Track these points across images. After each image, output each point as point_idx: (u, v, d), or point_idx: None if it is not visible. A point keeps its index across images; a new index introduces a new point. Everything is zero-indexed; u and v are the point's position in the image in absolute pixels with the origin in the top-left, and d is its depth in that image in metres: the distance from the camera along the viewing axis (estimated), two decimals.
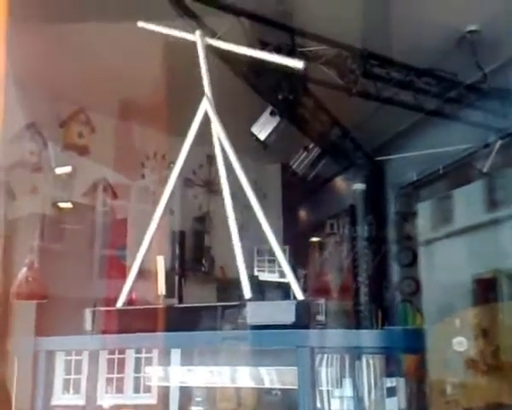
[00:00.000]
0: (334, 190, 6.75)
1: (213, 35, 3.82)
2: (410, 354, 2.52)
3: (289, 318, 2.12)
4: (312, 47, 3.99)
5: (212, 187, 6.83)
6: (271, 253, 6.44)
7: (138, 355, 3.05)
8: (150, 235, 2.49)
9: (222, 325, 2.38)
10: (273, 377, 2.39)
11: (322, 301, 2.22)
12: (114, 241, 5.53)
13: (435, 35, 4.29)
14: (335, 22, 4.08)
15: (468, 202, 4.98)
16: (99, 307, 3.08)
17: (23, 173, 4.88)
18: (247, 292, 2.26)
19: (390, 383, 2.37)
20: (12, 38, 1.44)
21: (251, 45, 4.00)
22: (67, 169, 5.12)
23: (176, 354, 2.77)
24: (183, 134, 3.25)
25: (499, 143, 4.47)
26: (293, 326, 2.13)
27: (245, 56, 3.98)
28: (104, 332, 2.61)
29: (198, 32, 2.65)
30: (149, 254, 2.85)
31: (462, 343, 3.86)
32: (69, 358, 3.08)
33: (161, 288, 2.96)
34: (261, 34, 3.97)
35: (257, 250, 6.77)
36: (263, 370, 2.42)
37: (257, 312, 2.25)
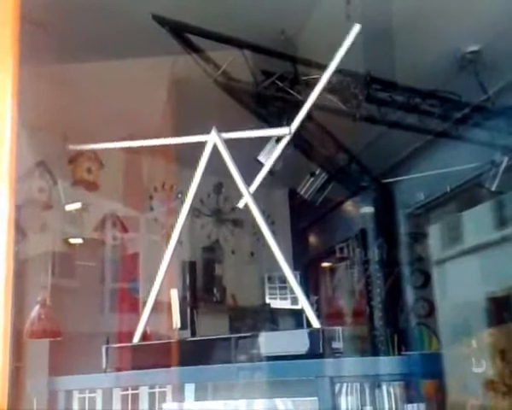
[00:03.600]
0: (343, 215, 6.75)
1: (217, 68, 3.90)
2: (430, 379, 2.49)
3: (304, 347, 2.11)
4: (315, 75, 4.03)
5: (220, 216, 6.85)
6: (283, 279, 6.44)
7: (152, 390, 3.02)
8: (164, 269, 2.50)
9: (236, 356, 2.36)
10: (291, 408, 2.36)
11: (338, 328, 2.21)
12: (126, 274, 5.53)
13: (436, 56, 4.33)
14: (337, 49, 4.13)
15: (477, 220, 4.96)
16: (112, 342, 3.07)
17: (33, 211, 4.92)
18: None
19: (411, 409, 2.34)
20: (20, 78, 1.48)
21: (254, 76, 4.07)
22: (77, 205, 5.16)
23: (190, 389, 2.75)
24: (190, 164, 3.28)
25: (506, 161, 4.47)
26: (309, 355, 2.11)
27: (250, 87, 4.05)
28: (120, 369, 2.59)
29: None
30: (161, 286, 2.86)
31: (480, 365, 3.80)
32: (83, 395, 3.06)
33: (176, 321, 2.94)
34: (264, 65, 4.03)
35: (268, 277, 6.76)
36: (280, 401, 2.38)
37: (270, 342, 2.23)
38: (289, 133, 2.67)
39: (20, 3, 1.49)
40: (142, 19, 3.46)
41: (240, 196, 3.01)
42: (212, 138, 2.61)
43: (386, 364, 2.15)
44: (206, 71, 3.85)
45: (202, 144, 3.02)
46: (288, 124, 4.30)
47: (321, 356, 2.09)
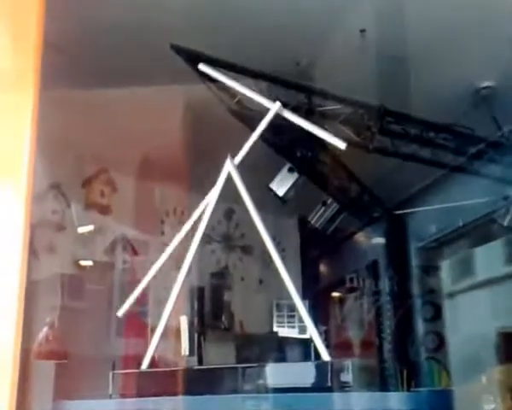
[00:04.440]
0: (354, 245, 6.71)
1: (232, 97, 3.94)
2: None
3: (312, 380, 2.08)
4: (329, 106, 4.06)
5: (229, 242, 6.84)
6: (291, 308, 6.37)
7: None
8: (174, 296, 2.49)
9: (243, 386, 2.34)
10: None
11: (348, 361, 2.18)
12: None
13: (451, 90, 4.34)
14: (352, 81, 4.16)
15: (489, 255, 4.91)
16: (118, 366, 3.06)
17: (46, 233, 4.95)
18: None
19: None
20: (40, 101, 1.51)
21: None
22: (89, 228, 5.18)
23: None
24: (202, 190, 3.30)
25: None
26: (318, 388, 2.08)
27: (263, 116, 4.08)
28: (126, 395, 2.58)
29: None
30: (170, 312, 2.84)
31: (490, 402, 3.73)
32: None
33: (185, 348, 2.93)
34: (279, 94, 4.06)
35: (276, 305, 6.70)
36: None
37: (278, 373, 2.21)
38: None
39: (43, 29, 1.54)
40: (161, 47, 3.53)
41: (250, 223, 3.01)
42: (228, 167, 2.63)
43: (396, 400, 2.11)
44: (220, 99, 3.89)
45: (214, 171, 3.04)
46: (304, 153, 4.33)
47: (329, 390, 2.06)
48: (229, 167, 2.61)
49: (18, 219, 1.41)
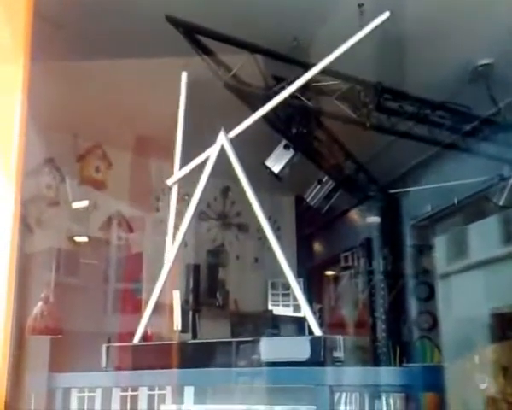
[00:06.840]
0: (349, 223, 6.72)
1: (228, 71, 3.90)
2: (431, 392, 2.47)
3: (304, 354, 2.10)
4: (326, 82, 4.03)
5: (226, 220, 6.85)
6: (286, 286, 6.42)
7: (151, 392, 3.02)
8: (167, 270, 2.49)
9: (236, 361, 2.35)
10: None
11: (340, 337, 2.19)
12: (129, 274, 5.54)
13: (448, 68, 4.32)
14: (349, 57, 4.12)
15: (483, 234, 4.92)
16: (114, 341, 3.07)
17: (40, 208, 4.94)
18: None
19: None
20: (32, 74, 1.48)
21: (265, 80, 4.07)
22: (84, 203, 5.18)
23: (189, 392, 2.74)
24: (197, 167, 3.29)
25: None
26: (310, 363, 2.10)
27: (260, 91, 4.05)
28: (119, 369, 2.59)
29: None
30: (164, 288, 2.86)
31: (482, 381, 3.77)
32: (82, 395, 3.06)
33: (177, 323, 2.94)
34: (275, 69, 4.03)
35: (271, 284, 6.74)
36: (279, 409, 2.37)
37: (271, 348, 2.23)
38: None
39: (34, 0, 1.50)
40: (156, 19, 3.47)
41: (246, 200, 3.00)
42: (221, 140, 2.61)
43: (387, 374, 2.13)
44: (217, 73, 3.85)
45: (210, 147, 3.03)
46: (299, 129, 4.30)
47: (321, 364, 2.08)
48: (223, 140, 2.59)
49: (8, 193, 1.39)
